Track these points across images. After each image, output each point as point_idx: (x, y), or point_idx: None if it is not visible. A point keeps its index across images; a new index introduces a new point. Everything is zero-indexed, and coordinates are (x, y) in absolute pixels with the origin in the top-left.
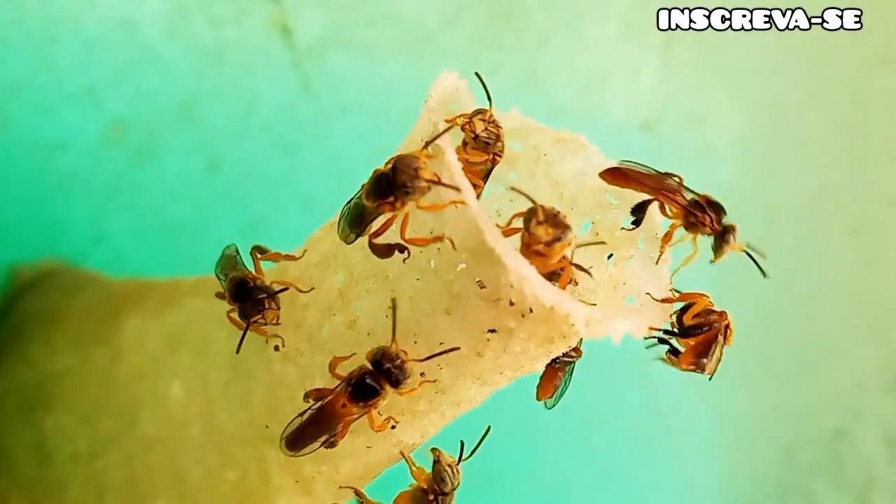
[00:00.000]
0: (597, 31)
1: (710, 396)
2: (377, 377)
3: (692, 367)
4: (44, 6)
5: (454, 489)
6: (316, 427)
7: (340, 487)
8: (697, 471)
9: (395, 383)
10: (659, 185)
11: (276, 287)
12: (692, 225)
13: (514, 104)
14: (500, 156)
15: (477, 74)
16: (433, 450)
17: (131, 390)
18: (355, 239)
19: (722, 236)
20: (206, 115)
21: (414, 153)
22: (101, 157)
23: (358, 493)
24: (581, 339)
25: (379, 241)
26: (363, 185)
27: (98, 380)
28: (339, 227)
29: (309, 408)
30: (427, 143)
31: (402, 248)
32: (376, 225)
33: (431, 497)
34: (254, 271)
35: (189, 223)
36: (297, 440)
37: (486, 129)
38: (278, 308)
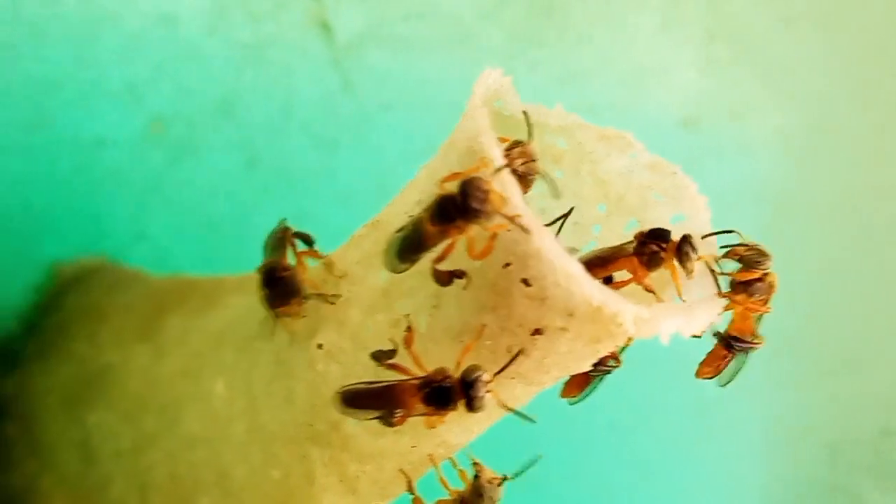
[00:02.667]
0: (636, 27)
1: (754, 395)
2: (457, 393)
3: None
4: (84, 3)
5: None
6: (377, 401)
7: (402, 472)
8: (741, 470)
9: (470, 408)
10: (604, 260)
11: (309, 286)
12: (653, 262)
13: (553, 101)
14: (529, 187)
15: (525, 113)
16: (475, 464)
17: (174, 388)
18: (408, 268)
19: (680, 251)
20: (246, 111)
21: (481, 175)
22: (142, 153)
23: (409, 488)
24: (625, 347)
25: (442, 267)
26: (421, 212)
27: (141, 377)
28: (386, 258)
29: (378, 381)
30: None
31: (460, 274)
32: (437, 251)
33: None
34: (294, 256)
35: (229, 220)
36: (353, 401)
37: (524, 163)
38: (300, 303)
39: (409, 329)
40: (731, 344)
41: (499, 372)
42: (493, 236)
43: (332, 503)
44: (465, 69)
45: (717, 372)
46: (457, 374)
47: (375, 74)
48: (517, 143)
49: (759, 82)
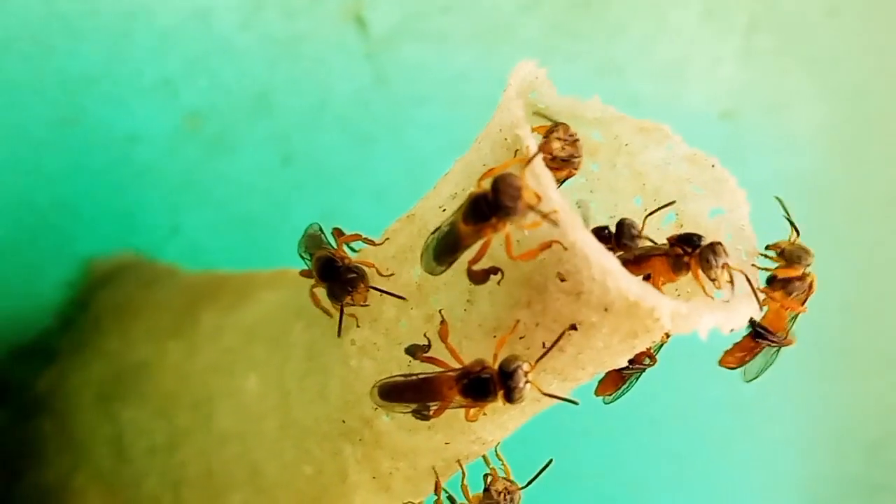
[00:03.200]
0: (676, 17)
1: (793, 391)
2: (496, 384)
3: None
4: None
5: None
6: (415, 394)
7: (434, 470)
8: (780, 468)
9: (510, 399)
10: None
11: (361, 265)
12: (678, 266)
13: (590, 93)
14: (577, 169)
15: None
16: (485, 476)
17: (207, 383)
18: (446, 269)
19: (701, 259)
20: (281, 106)
21: (512, 172)
22: (176, 149)
23: (437, 489)
24: (662, 344)
25: (477, 267)
26: (453, 214)
27: (174, 373)
28: (424, 260)
29: (415, 374)
30: (525, 160)
31: (495, 271)
32: (471, 251)
33: None
34: (338, 251)
35: (263, 215)
36: (390, 394)
37: (562, 147)
38: (367, 289)
39: (443, 322)
40: (761, 335)
41: (538, 360)
42: (543, 246)
43: (365, 500)
44: (502, 62)
45: (741, 363)
46: (494, 366)
47: (410, 68)
48: (556, 125)
49: (801, 74)
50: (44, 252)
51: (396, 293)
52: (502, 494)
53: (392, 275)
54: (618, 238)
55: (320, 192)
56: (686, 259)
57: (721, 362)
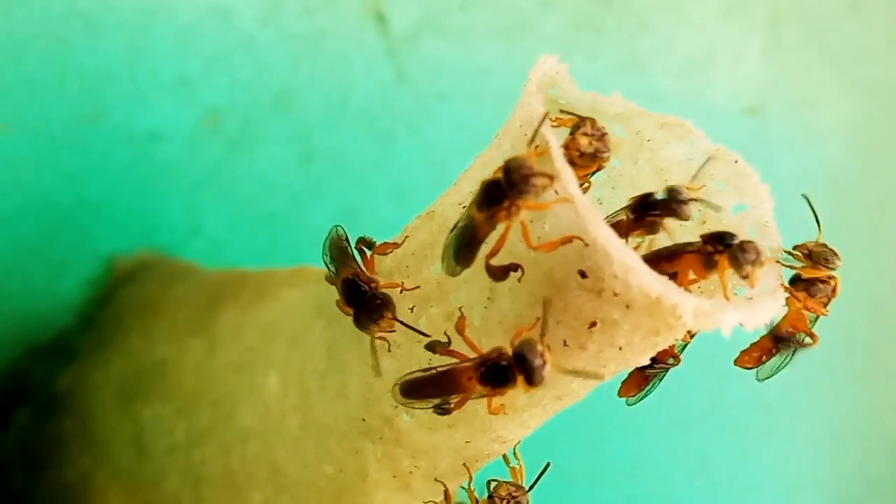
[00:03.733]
0: (699, 12)
1: (818, 391)
2: (514, 369)
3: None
4: None
5: None
6: (435, 388)
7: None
8: (805, 467)
9: (531, 381)
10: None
11: (387, 290)
12: (709, 263)
13: (612, 90)
14: (605, 163)
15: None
16: (488, 482)
17: (227, 382)
18: (467, 267)
19: (731, 257)
20: (301, 104)
21: (522, 155)
22: (197, 146)
23: (446, 496)
24: (686, 344)
25: (495, 262)
26: (468, 207)
27: (194, 371)
28: (443, 262)
29: (434, 368)
30: (532, 141)
31: (514, 268)
32: (487, 246)
33: None
34: (363, 265)
35: (284, 213)
36: (411, 391)
37: (590, 142)
38: (394, 319)
39: (461, 316)
40: (780, 340)
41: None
42: (565, 240)
43: (385, 499)
44: (522, 58)
45: (758, 363)
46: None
47: (431, 65)
48: (584, 120)
49: (824, 69)
50: (64, 250)
51: (420, 330)
52: (505, 500)
53: (417, 288)
54: (668, 203)
55: (341, 189)
56: (716, 257)
57: (737, 362)
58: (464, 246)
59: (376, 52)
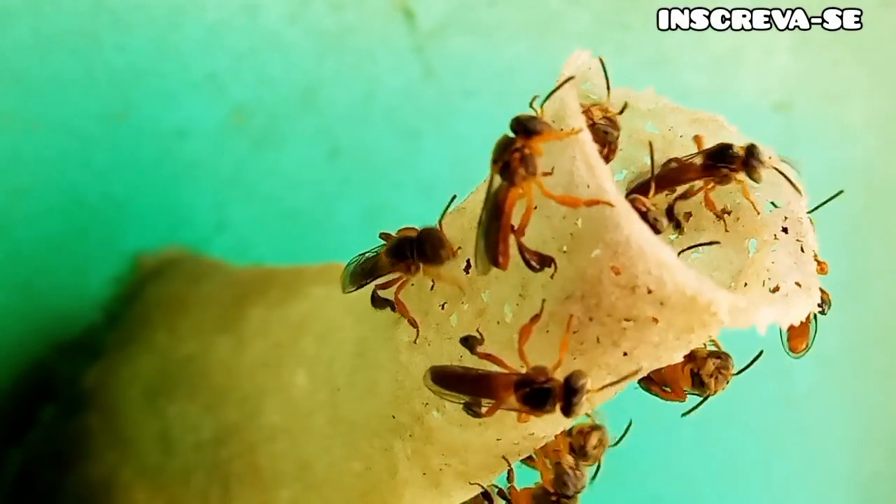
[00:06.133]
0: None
1: (845, 389)
2: (557, 398)
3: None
4: None
5: (578, 492)
6: (469, 388)
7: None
8: (833, 465)
9: (567, 413)
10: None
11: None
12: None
13: (642, 86)
14: (614, 149)
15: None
16: (555, 451)
17: (255, 379)
18: (495, 257)
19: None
20: (328, 100)
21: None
22: (224, 143)
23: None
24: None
25: (526, 241)
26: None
27: (222, 368)
28: (476, 259)
29: (475, 369)
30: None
31: (549, 261)
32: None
33: (554, 499)
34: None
35: (310, 209)
36: (444, 380)
37: (603, 117)
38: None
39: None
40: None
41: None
42: (591, 202)
43: (415, 496)
44: (550, 55)
45: (807, 342)
46: (555, 375)
47: (458, 61)
48: (597, 103)
49: (855, 65)
50: (92, 247)
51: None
52: (573, 471)
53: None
54: (747, 160)
55: (368, 186)
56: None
57: (794, 350)
58: (489, 227)
59: (403, 49)
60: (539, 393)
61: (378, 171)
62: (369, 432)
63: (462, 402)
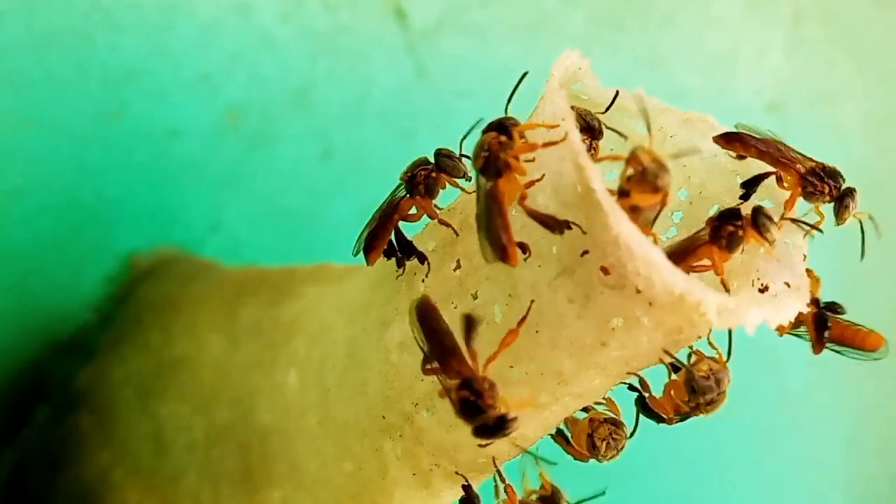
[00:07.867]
0: (721, 8)
1: (840, 387)
2: (484, 419)
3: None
4: None
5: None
6: (435, 348)
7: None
8: (828, 464)
9: (478, 435)
10: (777, 153)
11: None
12: (810, 194)
13: (634, 86)
14: (597, 148)
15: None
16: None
17: (247, 379)
18: (498, 244)
19: (841, 201)
20: (321, 101)
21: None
22: (217, 143)
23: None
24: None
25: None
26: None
27: (214, 368)
28: (482, 248)
29: (450, 340)
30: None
31: (568, 224)
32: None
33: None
34: None
35: (304, 210)
36: (423, 319)
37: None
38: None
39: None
40: (833, 310)
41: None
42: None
43: (405, 496)
44: (544, 55)
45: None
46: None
47: (451, 62)
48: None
49: (848, 65)
50: (84, 247)
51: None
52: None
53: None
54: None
55: (361, 186)
56: (741, 233)
57: (816, 352)
58: (488, 213)
59: (396, 49)
60: (471, 406)
61: (371, 171)
62: (360, 432)
63: (421, 349)
